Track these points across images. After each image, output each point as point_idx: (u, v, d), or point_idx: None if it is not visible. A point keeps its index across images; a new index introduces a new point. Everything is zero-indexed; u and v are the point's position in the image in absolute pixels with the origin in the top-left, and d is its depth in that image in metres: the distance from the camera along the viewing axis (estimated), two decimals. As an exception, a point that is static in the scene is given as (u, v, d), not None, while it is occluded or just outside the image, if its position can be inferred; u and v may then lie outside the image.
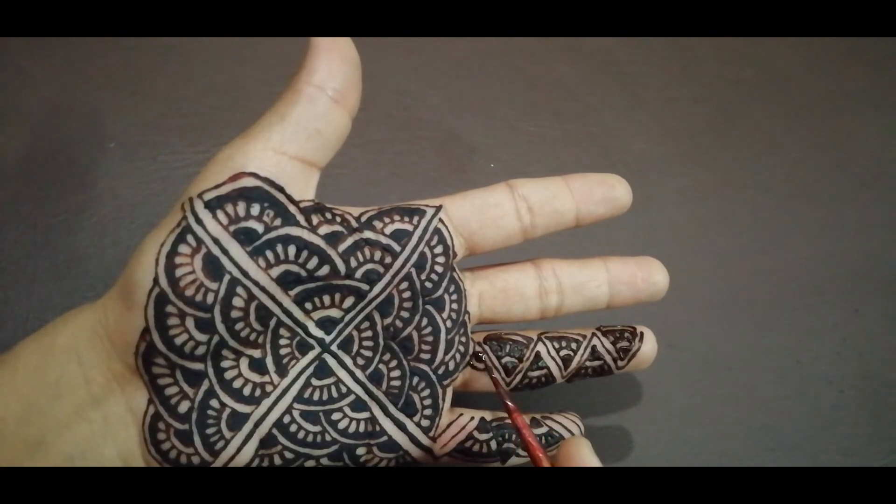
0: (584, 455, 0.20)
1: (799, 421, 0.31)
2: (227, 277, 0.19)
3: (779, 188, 0.37)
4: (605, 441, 0.30)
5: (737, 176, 0.37)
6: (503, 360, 0.25)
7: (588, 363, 0.26)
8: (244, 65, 0.36)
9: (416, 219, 0.23)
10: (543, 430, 0.25)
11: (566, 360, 0.25)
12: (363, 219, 0.22)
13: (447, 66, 0.38)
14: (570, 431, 0.26)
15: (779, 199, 0.36)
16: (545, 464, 0.21)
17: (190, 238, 0.19)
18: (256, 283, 0.20)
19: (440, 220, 0.23)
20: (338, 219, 0.21)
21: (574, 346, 0.26)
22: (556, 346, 0.25)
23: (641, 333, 0.26)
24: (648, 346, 0.26)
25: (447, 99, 0.37)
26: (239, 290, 0.20)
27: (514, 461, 0.25)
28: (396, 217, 0.22)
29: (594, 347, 0.26)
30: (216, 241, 0.19)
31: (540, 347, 0.25)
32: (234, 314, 0.20)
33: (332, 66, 0.20)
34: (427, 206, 0.23)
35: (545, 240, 0.27)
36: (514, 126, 0.37)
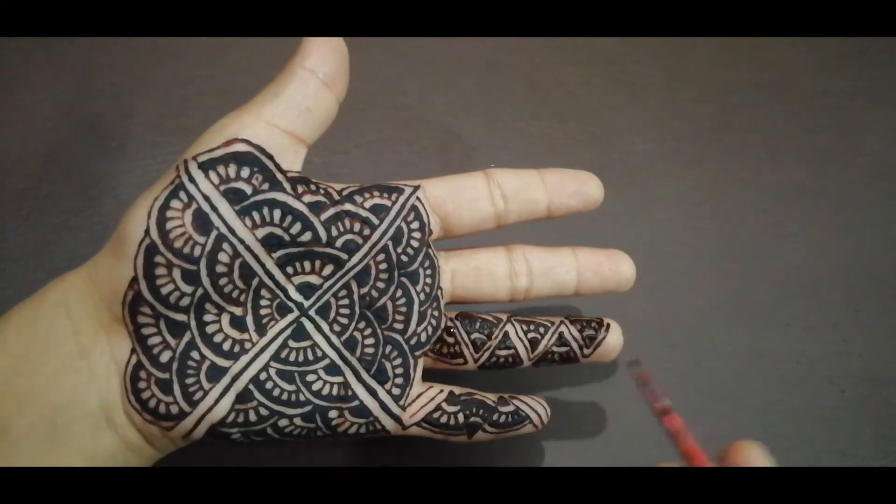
0: (757, 458, 0.21)
1: (799, 421, 0.31)
2: (214, 233, 0.21)
3: (779, 188, 0.37)
4: (604, 441, 0.30)
5: (737, 176, 0.37)
6: (472, 336, 0.26)
7: (555, 348, 0.27)
8: (244, 65, 0.36)
9: (394, 196, 0.24)
10: (510, 408, 0.26)
11: (533, 343, 0.26)
12: (344, 193, 0.23)
13: (447, 66, 0.38)
14: (535, 412, 0.26)
15: (779, 199, 0.36)
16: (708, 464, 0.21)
17: (182, 194, 0.21)
18: (242, 241, 0.21)
19: (417, 198, 0.24)
20: (321, 191, 0.23)
21: (542, 330, 0.27)
22: (525, 328, 0.26)
23: (608, 325, 0.27)
24: (614, 337, 0.27)
25: (447, 99, 0.37)
26: (225, 246, 0.21)
27: (480, 436, 0.26)
28: (376, 193, 0.24)
29: (561, 334, 0.27)
30: (207, 199, 0.21)
31: (509, 328, 0.26)
32: (219, 269, 0.21)
33: (324, 53, 0.22)
34: (406, 185, 0.24)
35: (544, 238, 0.27)
36: (514, 126, 0.37)
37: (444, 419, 0.25)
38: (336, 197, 0.23)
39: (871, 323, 0.33)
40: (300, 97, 0.22)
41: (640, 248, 0.34)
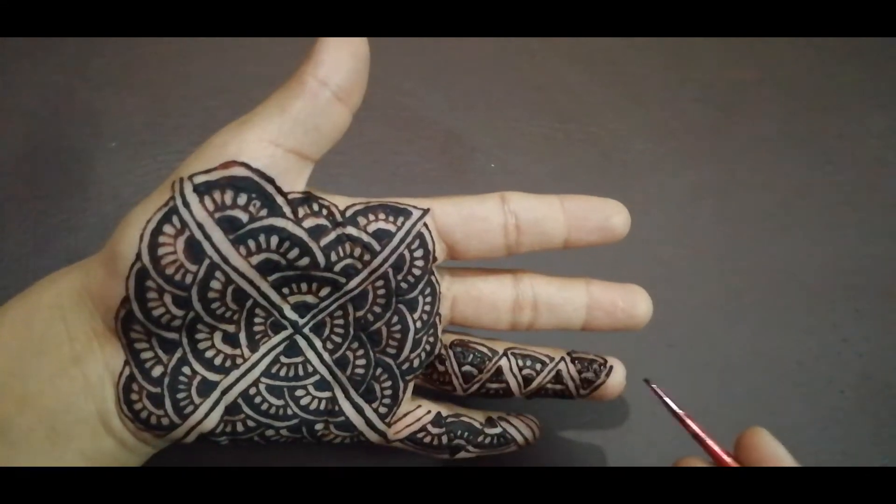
0: (767, 442, 0.22)
1: (799, 421, 0.31)
2: (206, 262, 0.20)
3: (779, 188, 0.37)
4: (604, 441, 0.30)
5: (737, 176, 0.37)
6: (463, 369, 0.25)
7: (550, 386, 0.26)
8: (244, 65, 0.36)
9: (400, 220, 0.23)
10: (496, 430, 0.26)
11: (527, 379, 0.26)
12: (348, 213, 0.22)
13: (447, 66, 0.38)
14: (521, 434, 0.26)
15: (779, 199, 0.36)
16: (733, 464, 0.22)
17: (175, 220, 0.20)
18: (235, 269, 0.20)
19: (424, 224, 0.23)
20: (324, 211, 0.21)
21: (538, 366, 0.26)
22: (520, 363, 0.25)
23: (611, 367, 0.26)
24: (615, 381, 0.26)
25: (447, 99, 0.37)
26: (217, 274, 0.20)
27: (462, 455, 0.26)
28: (381, 215, 0.22)
29: (559, 372, 0.26)
30: (200, 227, 0.20)
31: (503, 362, 0.25)
32: (211, 295, 0.20)
33: (339, 60, 0.20)
34: (415, 207, 0.23)
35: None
36: (515, 126, 0.37)
37: (427, 439, 0.25)
38: (339, 218, 0.22)
39: (871, 323, 0.33)
40: (308, 114, 0.20)
41: (640, 248, 0.34)
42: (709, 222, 0.35)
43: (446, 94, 0.37)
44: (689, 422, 0.23)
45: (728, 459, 0.22)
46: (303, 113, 0.20)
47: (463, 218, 0.23)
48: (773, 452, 0.21)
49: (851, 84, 0.40)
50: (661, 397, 0.24)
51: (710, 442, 0.23)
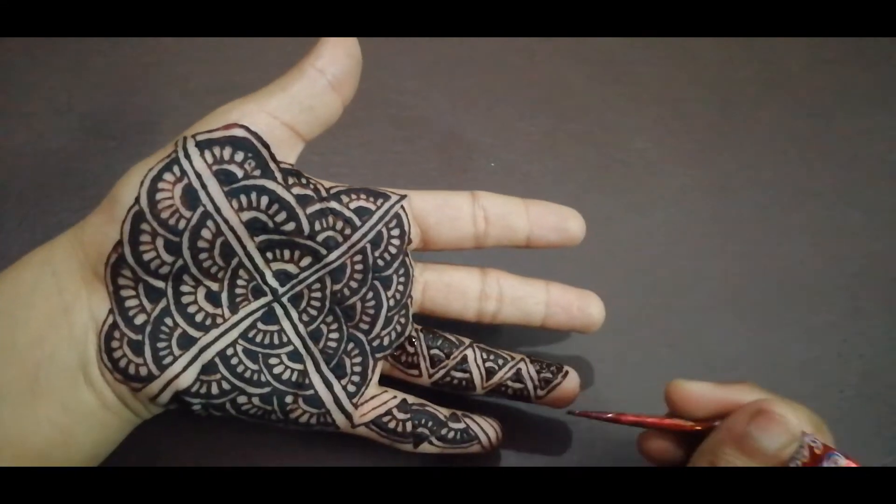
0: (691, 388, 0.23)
1: (799, 421, 0.31)
2: (200, 209, 0.21)
3: (779, 188, 0.37)
4: (604, 441, 0.30)
5: (737, 176, 0.37)
6: (432, 351, 0.27)
7: (510, 382, 0.27)
8: (244, 65, 0.36)
9: (379, 201, 0.25)
10: (460, 426, 0.26)
11: (490, 372, 0.27)
12: (333, 191, 0.24)
13: (447, 66, 0.38)
14: (485, 433, 0.27)
15: (779, 199, 0.36)
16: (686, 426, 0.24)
17: (175, 168, 0.21)
18: (226, 221, 0.22)
19: (402, 206, 0.25)
20: (311, 185, 0.23)
21: (500, 361, 0.27)
22: (484, 356, 0.27)
23: (567, 372, 0.27)
24: (570, 385, 0.27)
25: (447, 99, 0.37)
26: (209, 223, 0.22)
27: (426, 447, 0.26)
28: (363, 196, 0.24)
29: (519, 370, 0.27)
30: (198, 176, 0.21)
31: (469, 352, 0.27)
32: (201, 244, 0.22)
33: (336, 56, 0.23)
34: (393, 193, 0.25)
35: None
36: (515, 126, 0.37)
37: (392, 424, 0.26)
38: (324, 194, 0.24)
39: (871, 323, 0.33)
40: (305, 95, 0.23)
41: (640, 247, 0.34)
42: (708, 222, 0.35)
43: (446, 93, 0.37)
44: (624, 419, 0.25)
45: (669, 422, 0.24)
46: (301, 93, 0.23)
47: (437, 205, 0.26)
48: (699, 391, 0.23)
49: (851, 84, 0.40)
50: (588, 416, 0.26)
51: (650, 420, 0.24)
